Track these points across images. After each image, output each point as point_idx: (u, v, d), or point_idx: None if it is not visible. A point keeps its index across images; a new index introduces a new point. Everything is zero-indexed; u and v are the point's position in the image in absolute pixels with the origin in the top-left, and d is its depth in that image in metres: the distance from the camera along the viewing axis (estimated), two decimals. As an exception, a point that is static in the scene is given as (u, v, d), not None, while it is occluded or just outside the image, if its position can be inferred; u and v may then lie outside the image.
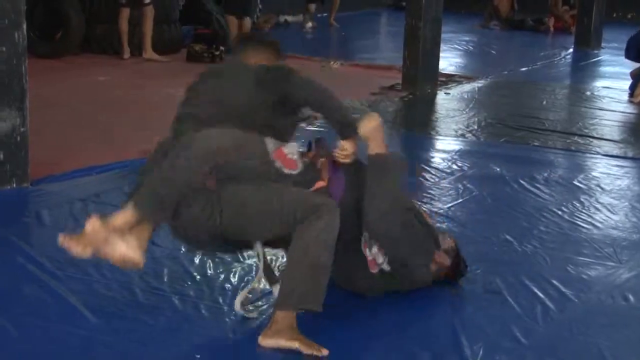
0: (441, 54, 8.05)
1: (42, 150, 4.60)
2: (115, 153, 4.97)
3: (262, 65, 3.19)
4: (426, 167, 5.11)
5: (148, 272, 3.23)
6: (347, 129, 3.11)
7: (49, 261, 3.34)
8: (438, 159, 5.42)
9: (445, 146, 5.83)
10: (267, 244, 3.04)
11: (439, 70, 8.05)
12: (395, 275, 3.09)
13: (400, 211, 3.06)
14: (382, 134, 3.16)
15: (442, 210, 4.31)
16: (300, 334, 2.80)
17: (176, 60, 8.96)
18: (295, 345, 2.76)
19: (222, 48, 9.01)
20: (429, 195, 4.57)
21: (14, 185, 4.21)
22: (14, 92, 4.15)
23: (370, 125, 3.12)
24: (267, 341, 2.79)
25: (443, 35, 8.06)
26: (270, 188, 2.92)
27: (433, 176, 4.94)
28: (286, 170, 2.99)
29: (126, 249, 2.79)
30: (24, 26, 4.15)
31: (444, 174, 4.99)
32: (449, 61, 9.54)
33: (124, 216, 2.80)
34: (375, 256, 3.06)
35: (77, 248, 2.78)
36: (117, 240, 2.77)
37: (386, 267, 3.07)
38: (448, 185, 4.78)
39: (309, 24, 12.47)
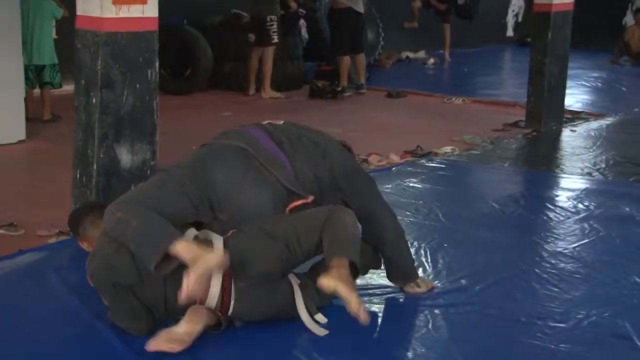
0: (567, 91, 7.87)
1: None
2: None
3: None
4: (551, 206, 4.99)
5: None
6: None
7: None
8: (563, 197, 5.28)
9: (571, 185, 5.67)
10: None
11: (565, 107, 7.87)
12: None
13: None
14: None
15: (567, 251, 4.19)
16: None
17: (298, 96, 9.15)
18: (352, 298, 2.87)
19: (344, 85, 9.14)
20: (553, 235, 4.45)
21: (143, 216, 4.36)
22: (145, 127, 4.32)
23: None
24: (329, 282, 2.89)
25: (570, 72, 7.89)
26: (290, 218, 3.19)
27: (558, 215, 4.81)
28: None
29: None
30: (157, 64, 4.33)
31: (569, 213, 4.85)
32: (575, 98, 9.31)
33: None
34: None
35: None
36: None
37: None
38: (574, 225, 4.64)
39: (431, 60, 12.47)
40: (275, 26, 8.72)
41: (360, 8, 9.18)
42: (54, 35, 7.11)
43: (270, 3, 8.75)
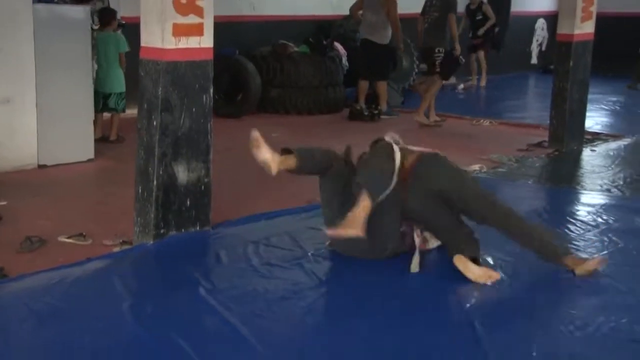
0: (588, 114, 7.75)
1: (222, 198, 4.81)
2: (284, 202, 5.12)
3: None
4: (572, 220, 4.92)
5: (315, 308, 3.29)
6: None
7: (225, 296, 3.48)
8: (583, 212, 5.20)
9: (591, 200, 5.58)
10: None
11: (585, 129, 7.76)
12: None
13: None
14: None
15: (587, 262, 4.11)
16: None
17: (340, 118, 9.18)
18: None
19: (379, 108, 9.14)
20: (574, 247, 4.37)
21: (198, 228, 4.40)
22: (201, 147, 4.37)
23: None
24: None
25: (590, 96, 7.77)
26: None
27: (578, 228, 4.74)
28: None
29: (268, 157, 3.91)
30: (211, 90, 4.38)
31: (589, 227, 4.77)
32: (595, 120, 9.16)
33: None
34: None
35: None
36: (267, 150, 3.92)
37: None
38: (593, 237, 4.57)
39: (461, 86, 12.40)
40: (441, 58, 8.64)
41: (379, 39, 9.08)
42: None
43: (441, 38, 8.65)
